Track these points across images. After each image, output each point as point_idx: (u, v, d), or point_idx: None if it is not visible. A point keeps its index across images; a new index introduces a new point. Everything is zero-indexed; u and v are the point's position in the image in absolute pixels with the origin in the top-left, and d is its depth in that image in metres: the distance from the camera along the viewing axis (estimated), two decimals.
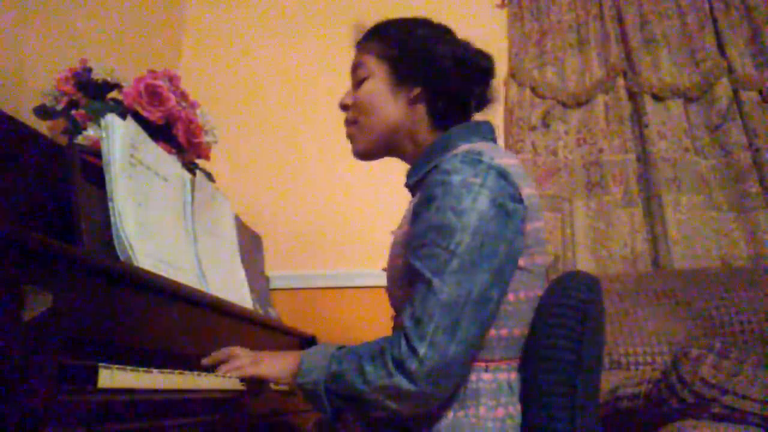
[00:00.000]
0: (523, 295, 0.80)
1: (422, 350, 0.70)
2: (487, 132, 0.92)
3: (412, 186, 0.95)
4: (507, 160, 0.81)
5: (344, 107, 0.99)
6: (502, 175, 0.78)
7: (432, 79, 0.91)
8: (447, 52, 0.91)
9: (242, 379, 0.85)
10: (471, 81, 0.93)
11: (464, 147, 0.84)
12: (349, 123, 0.98)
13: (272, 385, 0.90)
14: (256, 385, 0.87)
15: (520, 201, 0.79)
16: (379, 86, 0.93)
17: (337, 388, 0.77)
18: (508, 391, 0.79)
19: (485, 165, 0.77)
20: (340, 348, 0.81)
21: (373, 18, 1.03)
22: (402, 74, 0.92)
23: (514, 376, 0.80)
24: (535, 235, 0.81)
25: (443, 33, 0.96)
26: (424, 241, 0.76)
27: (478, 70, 0.93)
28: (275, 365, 0.85)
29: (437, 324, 0.71)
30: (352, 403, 0.77)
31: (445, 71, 0.90)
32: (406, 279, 0.83)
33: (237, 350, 0.89)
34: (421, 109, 0.92)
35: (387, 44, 0.95)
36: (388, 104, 0.92)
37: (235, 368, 0.85)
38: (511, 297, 0.79)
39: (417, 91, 0.91)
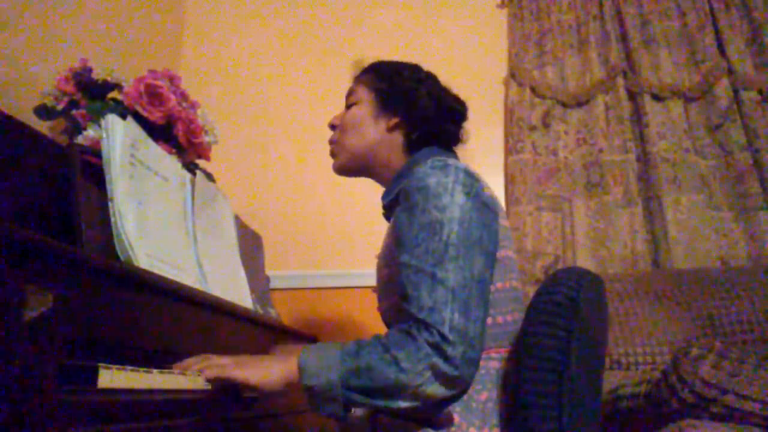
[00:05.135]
0: (500, 285, 0.88)
1: (449, 335, 0.74)
2: (451, 153, 1.04)
3: (387, 207, 1.04)
4: (469, 166, 0.90)
5: (332, 126, 1.13)
6: (468, 173, 0.87)
7: (409, 111, 1.03)
8: (425, 92, 1.05)
9: (212, 382, 0.76)
10: (444, 119, 1.05)
11: (430, 159, 0.92)
12: (333, 141, 1.12)
13: (246, 393, 0.81)
14: (230, 389, 0.79)
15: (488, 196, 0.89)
16: (364, 111, 1.07)
17: (359, 384, 0.75)
18: (495, 378, 0.83)
19: (452, 167, 0.86)
20: (343, 345, 0.79)
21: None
22: (385, 104, 1.05)
23: (503, 365, 0.85)
24: (505, 232, 0.91)
25: (427, 76, 1.10)
26: (417, 242, 0.82)
27: (451, 111, 1.06)
28: (265, 371, 0.79)
29: (451, 308, 0.76)
30: (377, 395, 0.76)
31: (422, 107, 1.03)
32: (392, 286, 0.89)
33: (213, 356, 0.83)
34: (397, 136, 1.04)
35: (377, 77, 1.08)
36: (369, 127, 1.05)
37: (215, 366, 0.77)
38: (490, 287, 0.86)
39: (395, 120, 1.04)
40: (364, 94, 1.08)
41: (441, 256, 0.79)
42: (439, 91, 1.07)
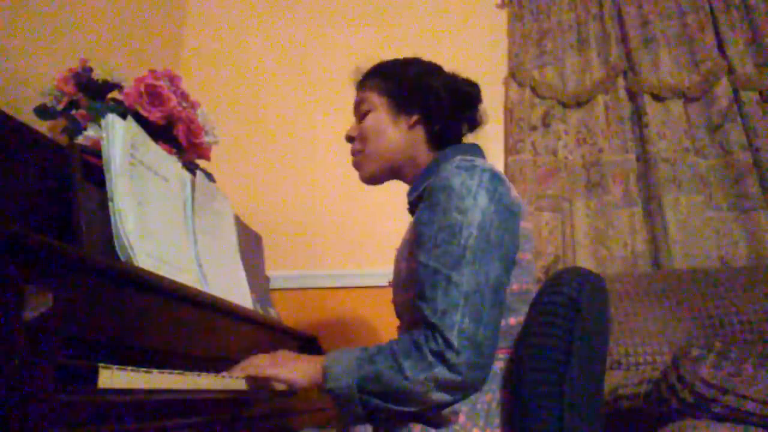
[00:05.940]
0: (516, 287, 0.87)
1: (455, 340, 0.75)
2: (476, 150, 1.02)
3: (412, 203, 1.02)
4: (496, 168, 0.90)
5: (350, 139, 1.10)
6: (495, 176, 0.86)
7: (427, 105, 1.02)
8: (439, 82, 1.03)
9: (249, 379, 0.86)
10: (461, 105, 1.04)
11: (457, 158, 0.91)
12: (356, 153, 1.09)
13: (277, 386, 0.90)
14: (263, 385, 0.88)
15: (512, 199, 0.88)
16: (381, 116, 1.04)
17: (373, 388, 0.80)
18: (499, 379, 0.84)
19: (479, 168, 0.85)
20: (363, 350, 0.83)
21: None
22: (401, 104, 1.04)
23: (507, 365, 0.85)
24: (525, 234, 0.90)
25: (433, 68, 1.08)
26: (436, 242, 0.82)
27: (467, 96, 1.05)
28: (294, 370, 0.86)
29: (463, 312, 0.77)
30: (389, 400, 0.80)
31: (439, 98, 1.02)
32: (409, 281, 0.90)
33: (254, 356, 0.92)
34: (419, 132, 1.03)
35: (385, 80, 1.06)
36: (391, 130, 1.04)
37: (254, 366, 0.86)
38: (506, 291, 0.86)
39: (415, 117, 1.03)
40: (377, 100, 1.06)
41: (458, 260, 0.80)
42: (449, 79, 1.06)
